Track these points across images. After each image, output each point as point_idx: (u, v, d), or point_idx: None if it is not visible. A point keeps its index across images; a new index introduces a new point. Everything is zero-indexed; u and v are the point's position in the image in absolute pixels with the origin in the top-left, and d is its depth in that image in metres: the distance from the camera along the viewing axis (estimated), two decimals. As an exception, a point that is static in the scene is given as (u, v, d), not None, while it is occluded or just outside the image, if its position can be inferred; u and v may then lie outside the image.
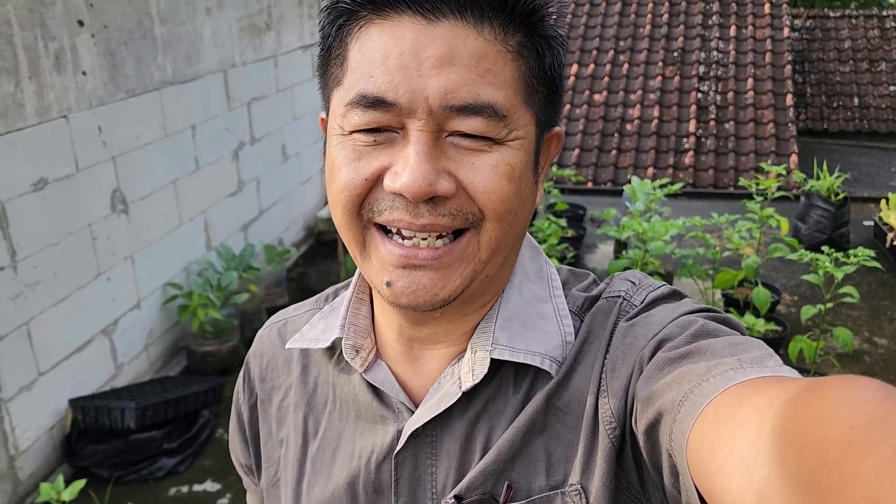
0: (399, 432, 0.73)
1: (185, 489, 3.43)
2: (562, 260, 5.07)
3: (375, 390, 0.76)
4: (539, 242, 4.79)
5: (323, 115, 0.73)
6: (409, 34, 0.61)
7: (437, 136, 0.62)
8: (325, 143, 0.72)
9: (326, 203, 6.53)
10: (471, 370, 0.70)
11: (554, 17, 0.66)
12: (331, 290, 0.89)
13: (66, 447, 3.43)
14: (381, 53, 0.61)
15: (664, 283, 0.76)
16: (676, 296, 0.73)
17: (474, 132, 0.62)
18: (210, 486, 3.46)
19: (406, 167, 0.61)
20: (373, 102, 0.62)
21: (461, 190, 0.63)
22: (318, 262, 5.93)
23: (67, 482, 3.00)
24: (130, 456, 3.44)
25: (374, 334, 0.78)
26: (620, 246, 5.50)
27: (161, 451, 3.50)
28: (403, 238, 0.65)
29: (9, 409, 3.11)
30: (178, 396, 3.59)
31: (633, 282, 0.75)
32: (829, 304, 3.87)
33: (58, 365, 3.41)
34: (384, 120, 0.62)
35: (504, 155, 0.64)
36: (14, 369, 3.13)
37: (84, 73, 3.48)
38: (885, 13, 11.49)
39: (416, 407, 0.74)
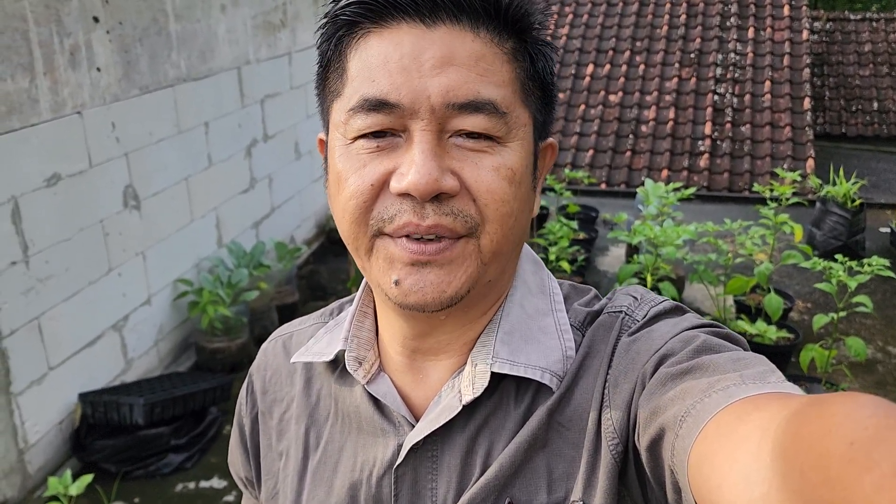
0: (399, 446, 0.73)
1: (191, 485, 3.45)
2: (573, 262, 5.05)
3: (377, 403, 0.76)
4: (550, 244, 4.77)
5: (321, 135, 0.74)
6: (407, 39, 0.63)
7: (440, 137, 0.64)
8: (325, 165, 0.72)
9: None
10: (471, 384, 0.70)
11: (539, 25, 0.68)
12: (335, 304, 0.90)
13: (75, 441, 3.45)
14: (382, 59, 0.63)
15: (666, 297, 0.76)
16: (679, 311, 0.73)
17: (477, 129, 0.64)
18: (217, 482, 3.47)
19: (412, 166, 0.62)
20: (375, 105, 0.63)
21: (464, 189, 0.64)
22: (328, 260, 5.93)
23: (75, 476, 3.03)
24: (138, 451, 3.46)
25: (378, 347, 0.79)
26: (632, 250, 5.47)
27: (169, 447, 3.52)
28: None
29: (19, 402, 3.14)
30: (187, 393, 3.61)
31: (634, 297, 0.75)
32: (842, 313, 3.82)
33: (68, 359, 3.43)
34: (387, 122, 0.64)
35: (505, 158, 0.65)
36: (25, 363, 3.16)
37: (98, 70, 3.50)
38: (906, 17, 11.35)
39: (418, 420, 0.74)
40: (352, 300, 0.84)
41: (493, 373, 0.70)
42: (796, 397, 0.49)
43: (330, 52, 0.68)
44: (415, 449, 0.72)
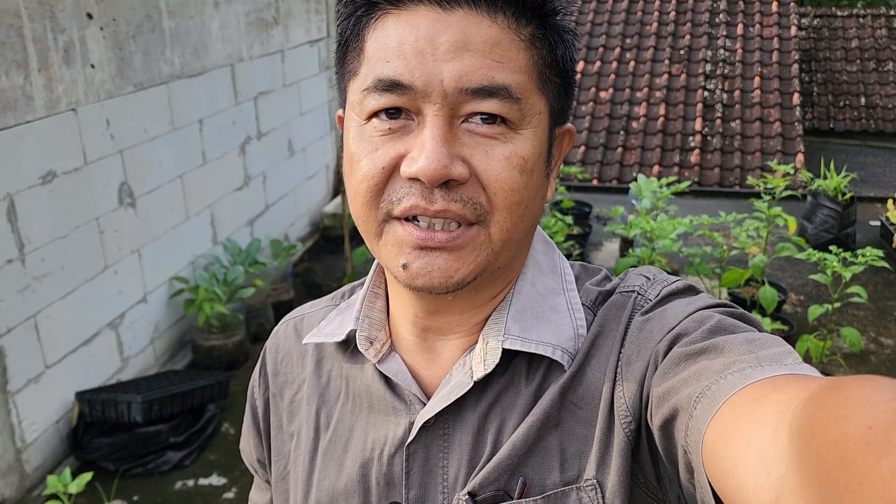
0: (411, 424, 0.73)
1: (190, 483, 3.44)
2: (568, 257, 5.06)
3: (388, 382, 0.76)
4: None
5: (340, 112, 0.74)
6: (424, 22, 0.63)
7: (452, 122, 0.63)
8: (341, 140, 0.72)
9: (332, 198, 6.53)
10: (482, 360, 0.70)
11: (562, 11, 0.68)
12: (346, 287, 0.90)
13: (73, 440, 3.43)
14: (398, 41, 0.63)
15: (679, 278, 0.75)
16: (692, 290, 0.73)
17: (490, 111, 0.63)
18: (216, 479, 3.46)
19: (422, 151, 0.62)
20: (389, 86, 0.63)
21: (474, 177, 0.64)
22: (323, 258, 5.93)
23: (74, 475, 3.01)
24: (136, 449, 3.45)
25: (389, 328, 0.79)
26: (627, 244, 5.49)
27: (167, 444, 3.50)
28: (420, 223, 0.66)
29: (16, 401, 3.12)
30: (185, 390, 3.59)
31: (647, 277, 0.75)
32: (837, 304, 3.85)
33: (65, 358, 3.41)
34: (399, 102, 0.64)
35: (517, 146, 0.65)
36: (21, 362, 3.14)
37: (93, 66, 3.48)
38: (892, 13, 11.42)
39: (429, 399, 0.74)
40: (362, 283, 0.85)
41: (504, 350, 0.70)
42: (814, 379, 0.48)
43: (348, 31, 0.68)
44: (426, 427, 0.72)
